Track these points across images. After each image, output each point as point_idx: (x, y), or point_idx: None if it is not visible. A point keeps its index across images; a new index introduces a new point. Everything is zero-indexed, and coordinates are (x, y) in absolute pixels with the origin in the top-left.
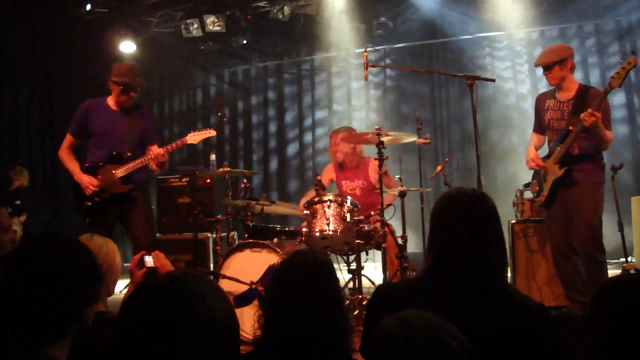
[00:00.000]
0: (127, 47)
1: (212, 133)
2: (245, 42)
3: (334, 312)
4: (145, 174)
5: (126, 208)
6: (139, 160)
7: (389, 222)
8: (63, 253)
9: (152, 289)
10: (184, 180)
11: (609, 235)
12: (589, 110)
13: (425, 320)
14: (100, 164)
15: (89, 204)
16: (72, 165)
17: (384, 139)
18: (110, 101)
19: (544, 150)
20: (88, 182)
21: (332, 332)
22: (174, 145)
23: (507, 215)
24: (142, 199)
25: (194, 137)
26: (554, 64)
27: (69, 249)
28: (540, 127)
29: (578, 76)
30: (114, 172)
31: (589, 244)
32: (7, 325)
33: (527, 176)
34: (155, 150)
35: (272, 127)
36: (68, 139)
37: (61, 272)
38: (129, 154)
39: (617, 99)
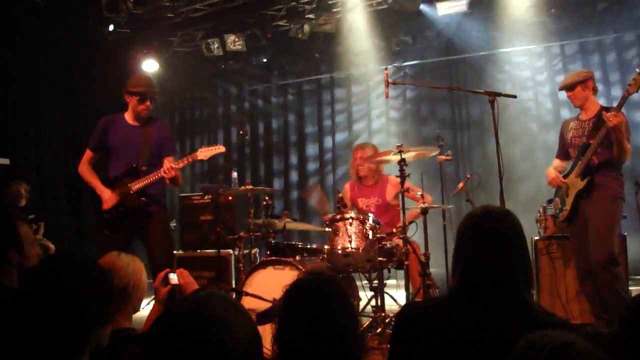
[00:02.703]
0: (150, 65)
1: (221, 149)
2: (265, 60)
3: (344, 330)
4: (162, 188)
5: (144, 223)
6: (152, 175)
7: (411, 239)
8: (77, 273)
9: (174, 319)
10: (206, 197)
11: (634, 251)
12: (613, 112)
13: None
14: (117, 177)
15: (107, 216)
16: (94, 180)
17: (406, 155)
18: (127, 115)
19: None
20: (109, 197)
21: (343, 350)
22: (185, 161)
23: (530, 232)
24: (159, 215)
25: (204, 153)
26: (577, 84)
27: (84, 269)
28: (563, 151)
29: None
30: (129, 185)
31: (603, 257)
32: (21, 343)
33: (549, 193)
34: (166, 163)
35: (293, 145)
36: (87, 154)
37: (75, 292)
38: (144, 167)
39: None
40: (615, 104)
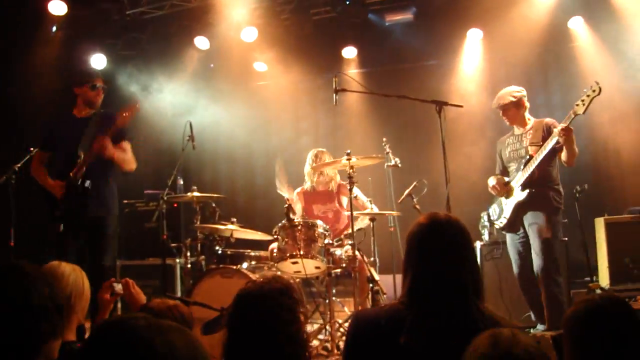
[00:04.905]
0: (98, 61)
1: (137, 108)
2: (212, 66)
3: (293, 340)
4: (110, 192)
5: (93, 227)
6: (86, 156)
7: (359, 246)
8: (23, 286)
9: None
10: (150, 204)
11: (575, 255)
12: (562, 128)
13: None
14: (61, 170)
15: (58, 213)
16: (45, 178)
17: (354, 162)
18: (75, 110)
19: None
20: (55, 184)
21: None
22: (106, 132)
23: (475, 238)
24: (107, 220)
25: (123, 120)
26: (511, 105)
27: (30, 282)
28: (502, 169)
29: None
30: (70, 174)
31: (546, 266)
32: None
33: (493, 199)
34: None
35: (240, 151)
36: (37, 154)
37: (21, 306)
38: (80, 154)
39: (579, 120)
40: (555, 113)
